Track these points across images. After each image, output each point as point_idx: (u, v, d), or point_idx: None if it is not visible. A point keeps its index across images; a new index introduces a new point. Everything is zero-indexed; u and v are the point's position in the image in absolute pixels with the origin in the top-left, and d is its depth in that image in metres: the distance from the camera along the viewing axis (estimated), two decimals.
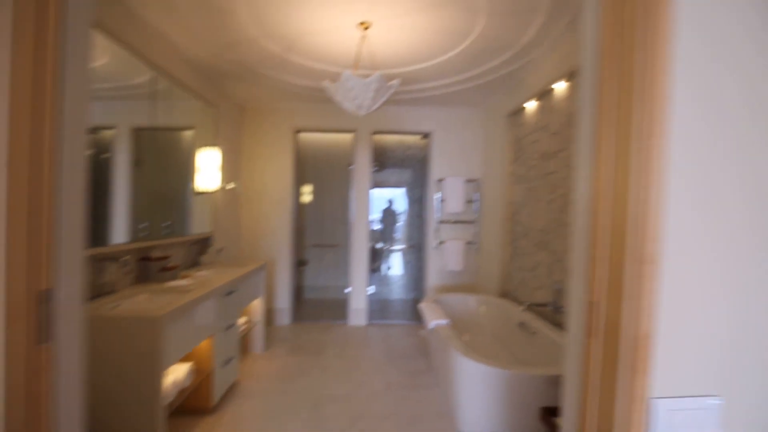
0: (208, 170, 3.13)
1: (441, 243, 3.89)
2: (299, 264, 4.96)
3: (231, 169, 3.70)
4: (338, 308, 4.36)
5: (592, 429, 0.81)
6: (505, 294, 3.32)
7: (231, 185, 3.64)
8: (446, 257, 3.84)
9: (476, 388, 1.93)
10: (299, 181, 4.88)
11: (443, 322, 2.49)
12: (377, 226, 6.87)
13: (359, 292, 4.09)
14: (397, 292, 5.83)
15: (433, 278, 4.03)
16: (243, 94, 3.65)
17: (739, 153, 0.70)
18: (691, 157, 0.69)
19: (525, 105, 3.03)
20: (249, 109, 4.01)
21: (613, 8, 0.75)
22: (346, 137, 4.22)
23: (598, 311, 0.78)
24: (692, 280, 0.71)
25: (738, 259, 0.71)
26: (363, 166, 4.04)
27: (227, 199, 3.63)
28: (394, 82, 2.31)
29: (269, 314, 3.96)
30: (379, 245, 6.74)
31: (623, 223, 0.72)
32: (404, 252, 5.65)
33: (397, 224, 6.60)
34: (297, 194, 4.58)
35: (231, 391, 2.51)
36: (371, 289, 4.25)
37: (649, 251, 0.68)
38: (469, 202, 3.88)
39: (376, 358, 3.18)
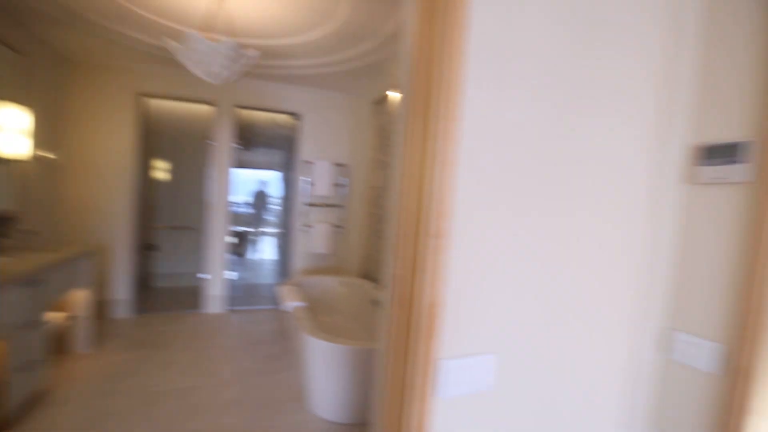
0: (10, 133, 2.47)
1: (308, 226, 3.86)
2: (147, 248, 4.36)
3: (49, 133, 2.99)
4: (194, 296, 3.98)
5: (396, 391, 0.89)
6: (365, 275, 3.48)
7: (48, 153, 2.95)
8: (313, 240, 3.83)
9: (325, 367, 1.98)
10: (149, 154, 4.25)
11: (299, 304, 2.48)
12: (249, 209, 6.48)
13: (217, 278, 3.79)
14: (266, 276, 5.62)
15: (299, 261, 3.98)
16: (68, 44, 2.96)
17: (518, 140, 0.82)
18: (478, 140, 0.79)
19: (389, 94, 3.17)
20: (78, 64, 3.28)
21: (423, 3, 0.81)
22: (208, 109, 3.82)
23: (402, 284, 0.85)
24: (475, 253, 0.81)
25: (513, 234, 0.85)
26: (224, 142, 3.72)
27: (43, 171, 2.94)
28: (253, 52, 2.16)
29: (101, 307, 3.38)
30: (247, 229, 6.37)
31: (422, 201, 0.79)
32: (277, 236, 5.46)
33: (269, 207, 6.32)
34: (145, 169, 3.98)
35: (37, 400, 2.07)
36: (233, 275, 3.99)
37: (440, 227, 0.76)
38: (337, 186, 3.92)
39: (230, 346, 3.00)
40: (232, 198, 3.80)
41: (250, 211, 6.19)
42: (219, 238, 3.77)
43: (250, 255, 6.52)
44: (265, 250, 6.51)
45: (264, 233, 6.32)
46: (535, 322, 0.90)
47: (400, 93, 0.91)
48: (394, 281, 0.87)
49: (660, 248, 1.01)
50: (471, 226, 0.79)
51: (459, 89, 0.74)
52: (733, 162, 0.87)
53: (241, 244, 6.15)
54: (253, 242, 6.49)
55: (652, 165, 0.98)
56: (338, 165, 3.92)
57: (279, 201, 5.04)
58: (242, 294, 4.42)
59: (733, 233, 0.89)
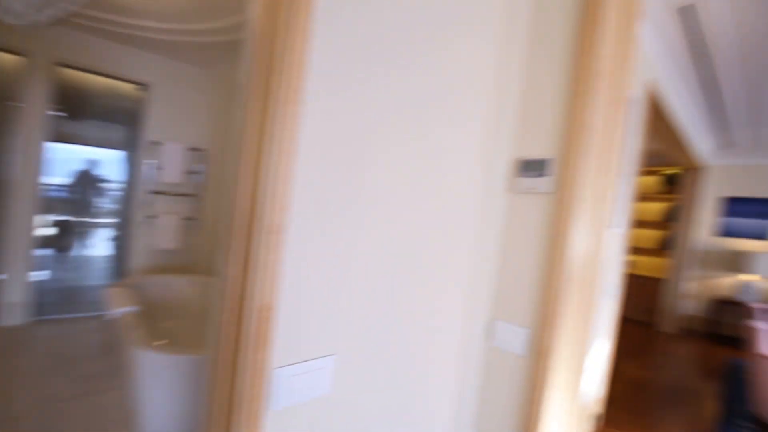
0: None
1: (152, 217, 3.33)
2: None
3: None
4: None
5: (223, 405, 0.79)
6: None
7: None
8: (158, 234, 3.33)
9: (158, 381, 1.70)
10: None
11: (128, 309, 2.10)
12: (74, 194, 5.25)
13: (18, 280, 2.97)
14: (96, 276, 4.66)
15: (139, 258, 3.41)
16: None
17: (363, 136, 0.80)
18: (321, 130, 0.74)
19: None
20: None
21: None
22: (13, 61, 2.95)
23: (233, 285, 0.75)
24: (314, 250, 0.76)
25: (353, 232, 0.83)
26: (38, 107, 2.94)
27: None
28: None
29: None
30: (74, 218, 5.18)
31: (257, 193, 0.70)
32: (113, 228, 4.56)
33: (104, 193, 5.24)
34: None
35: None
36: (43, 275, 3.19)
37: (276, 221, 0.69)
38: (191, 173, 3.48)
39: (32, 366, 2.37)
40: (47, 179, 3.03)
41: (75, 196, 5.06)
42: (23, 228, 2.96)
43: (77, 251, 5.33)
44: (98, 244, 5.42)
45: (97, 224, 5.25)
46: (375, 320, 0.90)
47: (242, 72, 0.81)
48: (225, 282, 0.76)
49: (488, 248, 1.14)
50: (310, 221, 0.75)
51: (302, 72, 0.68)
52: (541, 175, 1.02)
53: (65, 237, 4.98)
54: (82, 235, 5.33)
55: (483, 175, 1.09)
56: (194, 149, 3.48)
57: (116, 186, 4.23)
58: (58, 299, 3.57)
59: (539, 236, 1.04)
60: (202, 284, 3.05)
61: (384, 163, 0.85)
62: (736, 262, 4.65)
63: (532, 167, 1.04)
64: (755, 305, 3.19)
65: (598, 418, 2.39)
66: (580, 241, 1.06)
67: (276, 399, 0.75)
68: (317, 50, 0.70)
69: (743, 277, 4.58)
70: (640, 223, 5.60)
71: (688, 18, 2.05)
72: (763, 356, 2.34)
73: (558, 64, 1.03)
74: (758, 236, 4.54)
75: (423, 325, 1.02)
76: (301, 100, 0.68)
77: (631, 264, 5.63)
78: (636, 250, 5.60)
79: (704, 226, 4.93)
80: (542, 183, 1.02)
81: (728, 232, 4.76)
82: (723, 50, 2.37)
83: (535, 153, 1.06)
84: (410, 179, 0.91)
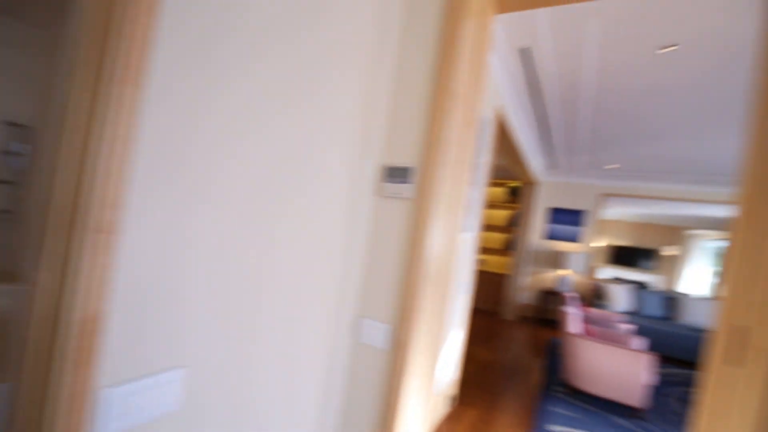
0: None
1: None
2: None
3: None
4: None
5: None
6: None
7: None
8: None
9: None
10: None
11: None
12: None
13: None
14: None
15: None
16: None
17: (223, 129, 0.74)
18: (167, 119, 0.66)
19: None
20: None
21: None
22: None
23: (47, 292, 0.62)
24: (155, 251, 0.68)
25: (206, 231, 0.76)
26: None
27: None
28: None
29: None
30: None
31: (83, 184, 0.60)
32: None
33: None
34: None
35: None
36: None
37: (107, 218, 0.60)
38: (8, 154, 2.76)
39: None
40: None
41: None
42: None
43: None
44: None
45: None
46: (233, 326, 0.85)
47: (70, 38, 0.68)
48: (34, 289, 0.63)
49: (355, 249, 1.18)
50: (150, 218, 0.66)
51: (146, 48, 0.60)
52: (405, 182, 1.11)
53: None
54: None
55: (352, 180, 1.13)
56: (12, 125, 2.77)
57: None
58: None
59: (401, 238, 1.13)
60: (20, 293, 2.44)
61: (244, 160, 0.81)
62: (557, 260, 5.79)
63: (397, 174, 1.12)
64: (567, 294, 4.02)
65: (454, 398, 2.70)
66: (436, 242, 1.18)
67: (106, 423, 0.65)
68: (167, 24, 0.63)
69: (561, 272, 5.71)
70: (489, 227, 6.54)
71: (526, 58, 2.47)
72: (570, 334, 2.96)
73: (421, 85, 1.13)
74: (572, 239, 5.73)
75: (287, 327, 1.00)
76: (144, 82, 0.61)
77: (481, 262, 6.52)
78: (485, 250, 6.52)
79: (536, 230, 6.00)
80: (405, 189, 1.11)
81: (552, 236, 5.89)
82: (549, 89, 2.93)
83: (400, 161, 1.14)
84: (273, 177, 0.88)
